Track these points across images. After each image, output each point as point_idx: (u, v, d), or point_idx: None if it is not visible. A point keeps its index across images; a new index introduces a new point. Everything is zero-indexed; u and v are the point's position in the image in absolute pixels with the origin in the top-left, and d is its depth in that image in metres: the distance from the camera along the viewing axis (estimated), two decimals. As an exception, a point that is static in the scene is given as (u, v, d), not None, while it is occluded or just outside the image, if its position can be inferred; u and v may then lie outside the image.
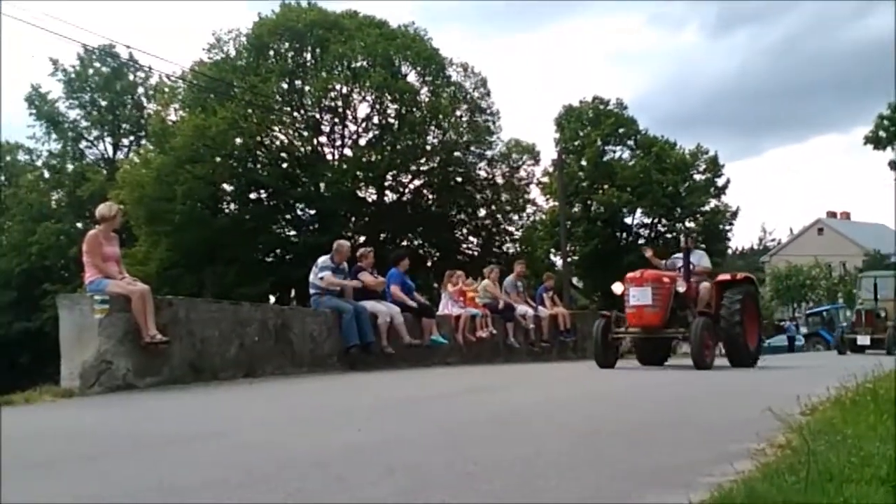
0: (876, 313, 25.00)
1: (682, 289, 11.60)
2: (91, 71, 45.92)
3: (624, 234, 45.18)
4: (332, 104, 37.19)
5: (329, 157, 37.87)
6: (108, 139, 47.85)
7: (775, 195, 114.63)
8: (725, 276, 12.66)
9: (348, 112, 37.70)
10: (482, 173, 40.20)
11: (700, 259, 12.75)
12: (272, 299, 34.57)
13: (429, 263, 37.36)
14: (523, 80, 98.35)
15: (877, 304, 25.20)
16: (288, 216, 38.46)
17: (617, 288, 11.97)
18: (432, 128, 37.92)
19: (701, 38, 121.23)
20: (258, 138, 36.51)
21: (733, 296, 11.89)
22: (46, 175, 47.87)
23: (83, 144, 47.78)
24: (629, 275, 11.88)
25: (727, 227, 45.10)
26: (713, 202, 44.34)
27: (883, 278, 27.31)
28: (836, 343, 26.33)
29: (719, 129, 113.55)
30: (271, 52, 36.97)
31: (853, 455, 3.37)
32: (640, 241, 44.60)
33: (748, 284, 12.56)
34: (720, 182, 44.76)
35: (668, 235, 45.01)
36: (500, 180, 40.40)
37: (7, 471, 3.65)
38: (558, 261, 38.92)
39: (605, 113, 44.35)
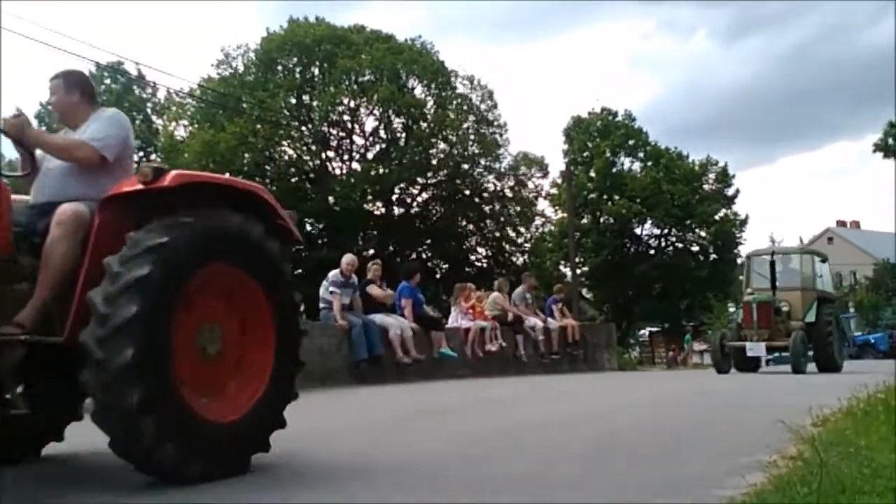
0: (776, 308, 16.13)
1: None
2: (102, 88, 46.18)
3: (634, 245, 45.19)
4: (340, 118, 37.34)
5: (337, 171, 38.01)
6: (118, 155, 48.06)
7: (786, 204, 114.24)
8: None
9: (356, 126, 37.87)
10: (490, 186, 40.26)
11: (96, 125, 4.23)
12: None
13: (437, 276, 37.39)
14: (531, 91, 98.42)
15: (775, 294, 16.29)
16: (297, 231, 38.54)
17: None
18: (439, 141, 38.02)
19: (712, 46, 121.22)
20: (267, 153, 36.65)
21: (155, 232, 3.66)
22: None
23: (93, 161, 47.99)
24: None
25: (738, 236, 45.12)
26: (723, 211, 44.40)
27: (785, 256, 18.17)
28: (713, 356, 18.01)
29: (732, 137, 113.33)
30: (279, 68, 37.16)
31: (865, 466, 3.36)
32: (651, 252, 44.67)
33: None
34: (730, 192, 44.89)
35: (679, 245, 45.05)
36: (508, 193, 40.43)
37: (9, 484, 3.67)
38: (567, 272, 38.89)
39: (615, 124, 44.53)
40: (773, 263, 16.44)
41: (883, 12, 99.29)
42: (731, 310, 17.65)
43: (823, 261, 18.15)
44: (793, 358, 15.26)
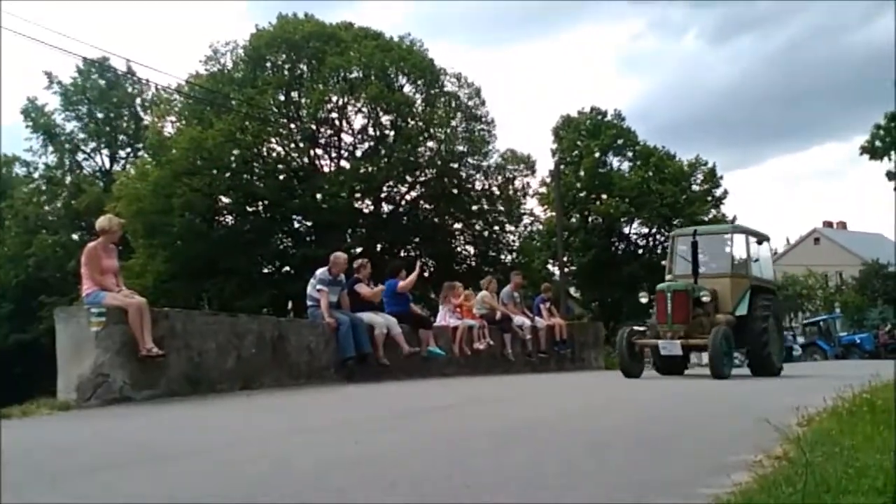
0: (696, 298, 13.14)
1: None
2: (88, 83, 45.94)
3: (622, 244, 45.27)
4: (328, 116, 37.25)
5: (325, 168, 37.91)
6: (105, 151, 47.83)
7: (773, 204, 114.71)
8: None
9: (344, 123, 37.81)
10: (478, 184, 40.24)
11: None
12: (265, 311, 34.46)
13: (426, 274, 37.33)
14: (521, 90, 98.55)
15: (696, 281, 13.44)
16: (285, 228, 38.45)
17: None
18: (427, 139, 37.97)
19: (702, 46, 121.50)
20: (255, 150, 36.53)
21: None
22: (43, 187, 47.80)
23: (80, 156, 47.76)
24: None
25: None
26: (712, 212, 44.50)
27: (715, 237, 15.63)
28: (619, 356, 13.61)
29: (721, 137, 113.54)
30: (268, 64, 37.02)
31: (850, 466, 3.38)
32: (639, 252, 44.75)
33: None
34: (718, 192, 45.02)
35: (667, 245, 45.10)
36: (496, 191, 40.41)
37: (8, 485, 3.65)
38: (555, 271, 38.92)
39: (604, 124, 44.59)
40: (695, 244, 13.62)
41: (873, 13, 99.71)
42: (644, 301, 12.26)
43: (760, 242, 14.76)
44: (711, 358, 12.51)
